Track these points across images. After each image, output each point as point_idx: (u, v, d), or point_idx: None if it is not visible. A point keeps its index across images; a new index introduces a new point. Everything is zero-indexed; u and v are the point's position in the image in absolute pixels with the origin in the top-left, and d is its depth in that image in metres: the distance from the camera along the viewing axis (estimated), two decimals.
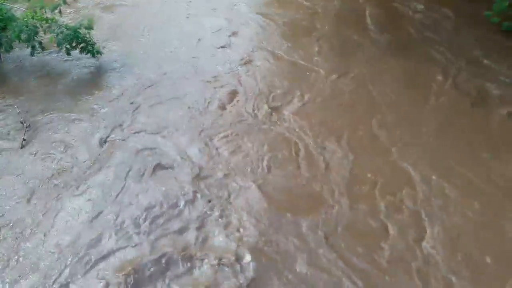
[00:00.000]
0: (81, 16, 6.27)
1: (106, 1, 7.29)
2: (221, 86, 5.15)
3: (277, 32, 6.47)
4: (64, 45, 4.83)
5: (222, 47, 6.01)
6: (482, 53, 5.86)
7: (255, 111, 4.75)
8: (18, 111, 4.60)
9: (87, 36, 4.99)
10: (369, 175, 3.93)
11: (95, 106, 4.78)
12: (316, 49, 6.04)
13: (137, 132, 4.45)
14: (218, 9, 7.04)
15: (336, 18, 7.06)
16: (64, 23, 5.02)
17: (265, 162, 4.07)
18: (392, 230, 3.41)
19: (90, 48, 5.01)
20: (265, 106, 4.83)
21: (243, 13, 7.00)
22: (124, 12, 7.11)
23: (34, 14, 4.94)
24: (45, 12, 5.11)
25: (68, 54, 5.00)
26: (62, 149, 4.17)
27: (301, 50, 6.00)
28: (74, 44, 4.94)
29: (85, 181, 3.80)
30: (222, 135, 4.41)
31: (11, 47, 5.04)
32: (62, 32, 4.74)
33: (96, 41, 5.26)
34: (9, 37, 4.93)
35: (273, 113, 4.74)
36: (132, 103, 4.83)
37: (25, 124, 4.37)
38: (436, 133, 4.51)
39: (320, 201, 3.69)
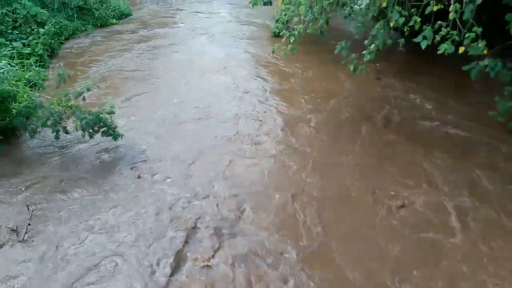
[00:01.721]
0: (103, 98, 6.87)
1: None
2: None
3: None
4: (87, 129, 5.15)
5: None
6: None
7: None
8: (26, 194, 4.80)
9: (109, 120, 5.34)
10: None
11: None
12: None
13: None
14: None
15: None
16: (87, 109, 5.39)
17: None
18: None
19: (111, 132, 5.33)
20: None
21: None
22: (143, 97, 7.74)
23: (60, 101, 5.33)
24: (69, 99, 5.52)
25: (91, 137, 5.32)
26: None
27: None
28: (96, 128, 5.26)
29: None
30: None
31: (35, 133, 5.37)
32: (85, 118, 5.08)
33: (116, 124, 5.62)
34: (35, 123, 5.28)
35: None
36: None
37: (31, 209, 4.49)
38: None
39: None
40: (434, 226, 4.57)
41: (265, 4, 11.23)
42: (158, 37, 12.00)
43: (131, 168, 5.47)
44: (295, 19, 6.96)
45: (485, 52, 5.02)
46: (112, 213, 4.63)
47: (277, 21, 10.86)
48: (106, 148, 5.88)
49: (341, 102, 7.86)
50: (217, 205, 4.83)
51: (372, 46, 5.80)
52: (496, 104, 6.33)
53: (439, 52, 5.13)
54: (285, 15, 8.84)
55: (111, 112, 5.30)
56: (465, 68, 5.51)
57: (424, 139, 6.49)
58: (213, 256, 4.08)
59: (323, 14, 6.81)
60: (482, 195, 5.12)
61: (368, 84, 8.61)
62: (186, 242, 4.26)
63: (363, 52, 5.93)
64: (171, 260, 3.98)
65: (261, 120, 7.05)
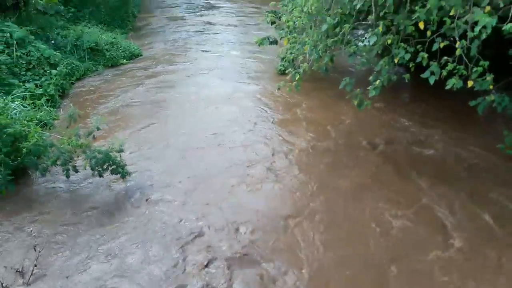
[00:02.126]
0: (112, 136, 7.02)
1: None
2: None
3: None
4: (97, 168, 5.20)
5: None
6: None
7: None
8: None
9: (118, 158, 5.39)
10: None
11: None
12: None
13: None
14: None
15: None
16: (97, 148, 5.46)
17: None
18: None
19: (120, 170, 5.37)
20: None
21: None
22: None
23: (70, 141, 5.42)
24: (80, 137, 5.60)
25: (100, 176, 5.35)
26: None
27: None
28: (105, 167, 5.31)
29: None
30: None
31: (45, 171, 5.43)
32: (95, 157, 5.14)
33: (125, 162, 5.67)
34: (46, 163, 5.35)
35: None
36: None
37: (37, 250, 4.47)
38: None
39: None
40: (429, 245, 4.92)
41: (271, 43, 11.54)
42: (167, 73, 12.30)
43: (141, 198, 5.64)
44: (300, 57, 7.11)
45: (491, 87, 5.06)
46: (121, 246, 4.65)
47: (282, 59, 11.08)
48: (116, 178, 5.96)
49: (342, 131, 8.24)
50: (224, 230, 5.14)
51: (377, 82, 5.88)
52: (504, 137, 6.31)
53: (447, 87, 5.17)
54: (291, 53, 9.02)
55: (120, 151, 5.37)
56: (472, 103, 5.54)
57: (427, 167, 6.82)
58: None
59: (327, 52, 6.96)
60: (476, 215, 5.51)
61: (371, 117, 8.76)
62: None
63: (368, 88, 5.99)
64: None
65: (267, 146, 7.49)
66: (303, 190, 6.09)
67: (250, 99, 10.08)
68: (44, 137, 5.84)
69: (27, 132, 5.74)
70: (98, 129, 5.66)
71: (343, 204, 5.79)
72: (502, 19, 4.50)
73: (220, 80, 11.60)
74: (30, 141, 5.43)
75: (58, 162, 5.29)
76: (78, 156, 5.51)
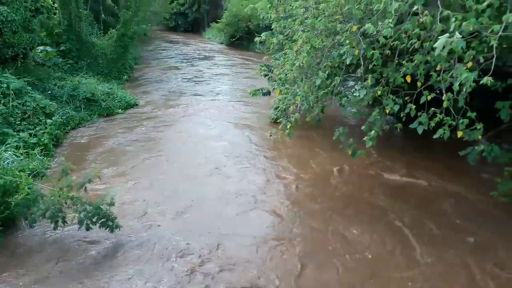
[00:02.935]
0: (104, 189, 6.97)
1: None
2: None
3: None
4: (86, 221, 5.09)
5: None
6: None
7: None
8: None
9: (108, 211, 5.30)
10: None
11: None
12: None
13: None
14: None
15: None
16: (88, 200, 5.38)
17: None
18: None
19: (110, 223, 5.27)
20: None
21: None
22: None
23: (61, 192, 5.34)
24: (71, 189, 5.53)
25: (88, 229, 5.23)
26: None
27: None
28: (94, 220, 5.21)
29: None
30: None
31: (35, 222, 5.31)
32: (85, 209, 5.06)
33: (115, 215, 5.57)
34: (34, 214, 5.24)
35: None
36: None
37: None
38: None
39: None
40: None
41: (264, 94, 11.80)
42: (160, 120, 12.69)
43: (131, 247, 5.61)
44: (292, 107, 7.24)
45: (480, 137, 5.14)
46: None
47: (275, 108, 11.28)
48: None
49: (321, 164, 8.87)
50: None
51: (372, 132, 5.95)
52: (497, 185, 6.33)
53: (435, 136, 5.25)
54: (283, 103, 9.21)
55: (111, 204, 5.29)
56: (462, 153, 5.60)
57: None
58: None
59: (318, 102, 7.11)
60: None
61: (359, 162, 8.85)
62: None
63: (364, 139, 6.05)
64: None
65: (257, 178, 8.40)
66: (287, 217, 6.85)
67: (242, 139, 10.93)
68: (35, 188, 5.77)
69: (18, 182, 5.68)
70: (89, 181, 5.61)
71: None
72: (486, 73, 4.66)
73: (212, 123, 12.38)
74: (21, 192, 5.36)
75: (47, 214, 5.19)
76: (68, 208, 5.42)
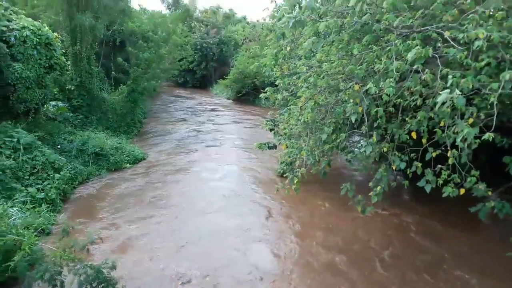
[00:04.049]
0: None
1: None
2: None
3: None
4: (85, 286, 4.94)
5: None
6: None
7: None
8: None
9: (109, 275, 5.15)
10: None
11: None
12: None
13: None
14: None
15: None
16: (89, 263, 5.26)
17: None
18: None
19: None
20: None
21: None
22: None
23: (63, 253, 5.24)
24: (74, 251, 5.42)
25: None
26: None
27: None
28: (95, 285, 5.04)
29: None
30: None
31: (30, 286, 5.15)
32: (85, 273, 4.92)
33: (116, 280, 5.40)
34: (33, 276, 5.10)
35: None
36: None
37: None
38: None
39: None
40: None
41: (270, 148, 11.89)
42: (167, 168, 13.11)
43: None
44: (298, 162, 7.24)
45: (490, 193, 5.04)
46: None
47: (281, 163, 11.32)
48: None
49: (340, 233, 8.56)
50: None
51: (378, 188, 5.88)
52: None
53: (444, 195, 5.16)
54: (289, 157, 9.26)
55: (113, 267, 5.15)
56: (472, 209, 5.46)
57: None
58: None
59: (324, 157, 7.11)
60: None
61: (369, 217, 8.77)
62: None
63: (369, 194, 5.97)
64: None
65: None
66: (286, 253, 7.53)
67: (243, 182, 11.63)
68: (36, 248, 5.66)
69: (22, 241, 5.61)
70: (92, 242, 5.51)
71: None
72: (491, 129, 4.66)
73: (220, 174, 12.72)
74: (20, 253, 5.26)
75: (45, 277, 5.04)
76: (68, 272, 5.28)
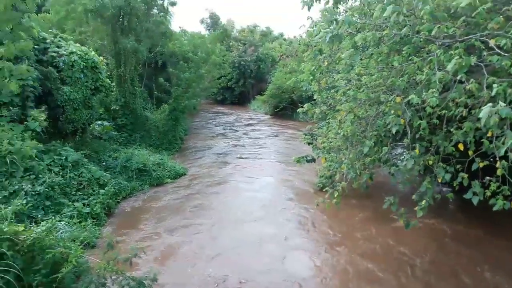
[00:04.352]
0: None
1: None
2: None
3: None
4: None
5: None
6: None
7: None
8: None
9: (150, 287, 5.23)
10: None
11: None
12: None
13: None
14: None
15: None
16: (132, 275, 5.36)
17: None
18: None
19: None
20: None
21: None
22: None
23: (107, 265, 5.37)
24: (117, 263, 5.55)
25: None
26: None
27: None
28: None
29: None
30: None
31: None
32: (128, 284, 5.02)
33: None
34: (78, 287, 5.27)
35: None
36: None
37: None
38: None
39: None
40: None
41: (308, 161, 11.76)
42: (207, 180, 13.59)
43: None
44: (338, 176, 7.11)
45: None
46: None
47: (321, 176, 11.16)
48: None
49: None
50: None
51: (423, 202, 5.65)
52: None
53: (494, 208, 4.87)
54: (329, 170, 9.12)
55: (154, 280, 5.23)
56: None
57: None
58: None
59: (366, 170, 6.93)
60: None
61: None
62: None
63: (415, 209, 5.74)
64: None
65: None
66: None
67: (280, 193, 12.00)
68: (82, 261, 5.86)
69: (68, 253, 5.81)
70: (135, 255, 5.62)
71: None
72: None
73: (258, 187, 12.95)
74: (67, 265, 5.45)
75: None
76: (113, 283, 5.40)
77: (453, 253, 8.01)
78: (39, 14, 16.75)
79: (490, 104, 4.00)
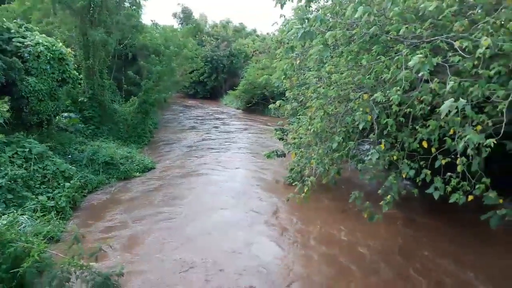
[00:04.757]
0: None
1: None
2: None
3: None
4: None
5: None
6: None
7: None
8: None
9: (117, 282, 5.15)
10: None
11: None
12: None
13: None
14: None
15: None
16: (97, 270, 5.26)
17: None
18: None
19: None
20: None
21: None
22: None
23: (72, 260, 5.24)
24: (82, 259, 5.42)
25: None
26: None
27: None
28: None
29: None
30: None
31: None
32: (93, 279, 4.92)
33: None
34: (41, 283, 5.11)
35: None
36: None
37: None
38: None
39: None
40: None
41: (278, 156, 11.88)
42: (176, 171, 13.62)
43: None
44: (307, 171, 7.22)
45: (501, 201, 4.96)
46: None
47: (291, 170, 11.29)
48: None
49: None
50: None
51: (388, 196, 5.83)
52: None
53: (450, 201, 5.11)
54: (298, 165, 9.25)
55: (120, 274, 5.14)
56: (483, 217, 5.36)
57: None
58: None
59: (334, 165, 7.07)
60: None
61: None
62: None
63: (380, 203, 5.91)
64: None
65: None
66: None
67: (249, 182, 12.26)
68: (45, 255, 5.68)
69: (30, 248, 5.63)
70: (100, 249, 5.51)
71: None
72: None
73: (225, 171, 13.54)
74: (28, 260, 5.28)
75: (53, 284, 5.04)
76: (77, 278, 5.28)
77: (407, 238, 8.64)
78: (2, 5, 16.07)
79: (452, 99, 4.17)
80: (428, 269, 7.39)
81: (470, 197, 5.04)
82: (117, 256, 7.72)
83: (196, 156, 16.07)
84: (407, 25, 5.38)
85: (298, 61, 8.48)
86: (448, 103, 4.13)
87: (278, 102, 9.54)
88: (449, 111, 4.18)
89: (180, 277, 7.10)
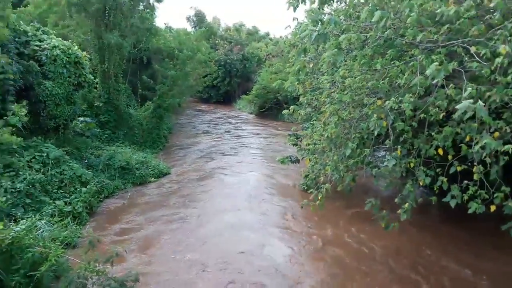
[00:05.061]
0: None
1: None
2: None
3: None
4: None
5: None
6: None
7: None
8: None
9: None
10: None
11: None
12: None
13: None
14: None
15: None
16: (113, 275, 5.32)
17: None
18: None
19: None
20: None
21: None
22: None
23: (88, 266, 5.31)
24: (98, 264, 5.49)
25: None
26: None
27: None
28: None
29: None
30: None
31: None
32: (109, 285, 4.97)
33: None
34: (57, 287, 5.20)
35: None
36: None
37: None
38: None
39: None
40: None
41: (292, 162, 11.83)
42: (191, 176, 13.86)
43: None
44: (322, 177, 7.17)
45: None
46: None
47: (305, 177, 11.22)
48: None
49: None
50: None
51: (406, 205, 5.73)
52: None
53: (469, 211, 5.00)
54: (313, 172, 9.20)
55: (135, 280, 5.19)
56: (504, 227, 5.25)
57: None
58: None
59: (349, 172, 7.00)
60: None
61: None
62: None
63: (398, 212, 5.82)
64: None
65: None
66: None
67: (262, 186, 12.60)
68: (62, 260, 5.77)
69: (48, 253, 5.72)
70: (116, 255, 5.57)
71: None
72: None
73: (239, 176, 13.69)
74: (45, 264, 5.36)
75: None
76: (92, 286, 5.34)
77: (424, 244, 8.59)
78: (18, 8, 16.38)
79: (471, 100, 4.08)
80: (443, 276, 7.27)
81: (493, 207, 4.93)
82: (133, 258, 7.87)
83: (210, 161, 16.20)
84: (423, 31, 5.30)
85: (311, 65, 8.44)
86: (466, 103, 4.04)
87: (291, 108, 9.51)
88: (466, 112, 4.09)
89: (196, 277, 7.24)
